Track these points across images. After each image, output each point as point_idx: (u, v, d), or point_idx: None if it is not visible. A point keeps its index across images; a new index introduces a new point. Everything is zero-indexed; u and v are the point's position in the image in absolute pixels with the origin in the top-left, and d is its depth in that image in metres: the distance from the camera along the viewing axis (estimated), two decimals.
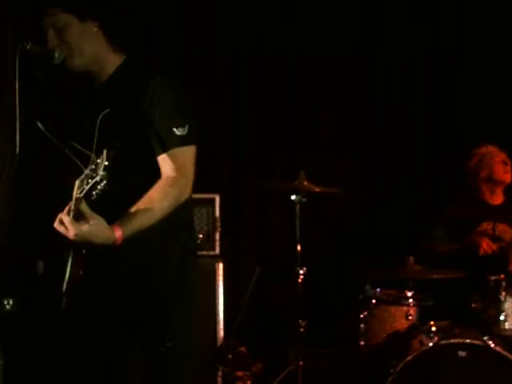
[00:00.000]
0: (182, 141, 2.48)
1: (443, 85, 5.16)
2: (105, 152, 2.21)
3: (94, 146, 2.45)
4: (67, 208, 2.31)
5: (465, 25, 5.11)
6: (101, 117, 2.48)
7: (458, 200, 4.70)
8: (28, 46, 2.47)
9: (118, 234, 2.37)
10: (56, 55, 2.51)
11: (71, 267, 2.43)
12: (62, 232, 2.31)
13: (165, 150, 2.47)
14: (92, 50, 2.57)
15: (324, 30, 5.10)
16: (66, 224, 2.29)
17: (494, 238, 4.49)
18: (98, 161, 2.22)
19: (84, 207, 2.28)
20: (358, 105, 5.17)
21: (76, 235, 2.30)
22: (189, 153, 2.51)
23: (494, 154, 4.54)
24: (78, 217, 2.29)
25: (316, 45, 5.10)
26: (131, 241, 2.38)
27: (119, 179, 2.37)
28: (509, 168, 4.55)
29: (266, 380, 4.38)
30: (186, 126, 2.48)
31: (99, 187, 2.23)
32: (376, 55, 5.17)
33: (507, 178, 4.54)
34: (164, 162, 2.48)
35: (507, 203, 4.63)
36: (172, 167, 2.48)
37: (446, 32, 5.16)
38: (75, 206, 2.28)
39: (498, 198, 4.63)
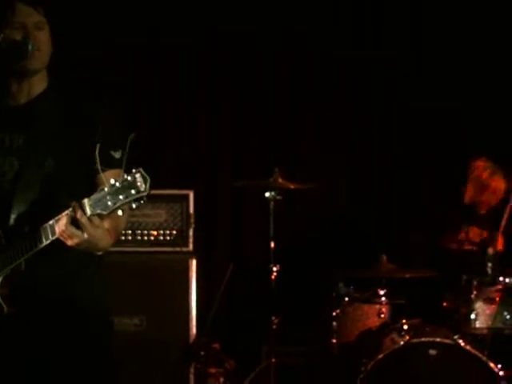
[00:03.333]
0: (119, 163, 2.50)
1: (424, 82, 5.16)
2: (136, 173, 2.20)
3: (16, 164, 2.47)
4: (66, 216, 2.28)
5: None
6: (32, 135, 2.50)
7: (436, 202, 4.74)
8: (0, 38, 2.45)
9: (112, 238, 2.41)
10: (29, 47, 2.49)
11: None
12: (70, 237, 2.28)
13: (106, 169, 2.48)
14: (47, 58, 2.56)
15: (301, 27, 5.10)
16: (72, 230, 2.27)
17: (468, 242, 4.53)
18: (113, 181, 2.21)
19: (83, 214, 2.27)
20: (334, 102, 5.17)
21: (85, 240, 2.28)
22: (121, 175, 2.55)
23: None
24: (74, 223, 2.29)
25: (292, 42, 5.10)
26: (63, 249, 2.37)
27: (58, 191, 2.42)
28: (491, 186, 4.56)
29: (239, 377, 4.39)
30: (120, 151, 2.52)
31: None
32: (354, 52, 5.18)
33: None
34: (109, 178, 2.47)
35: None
36: None
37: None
38: (73, 213, 2.26)
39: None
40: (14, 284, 2.45)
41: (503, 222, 4.17)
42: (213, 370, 4.41)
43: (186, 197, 4.45)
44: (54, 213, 2.34)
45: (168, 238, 4.41)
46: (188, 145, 5.11)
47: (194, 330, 4.29)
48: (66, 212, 2.28)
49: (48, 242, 2.35)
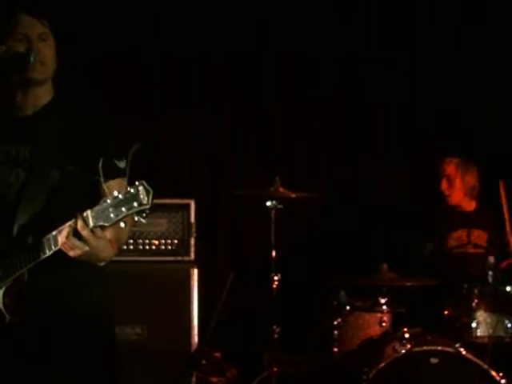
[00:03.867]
0: (123, 173, 2.55)
1: (419, 91, 5.19)
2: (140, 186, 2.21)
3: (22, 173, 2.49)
4: (68, 227, 2.29)
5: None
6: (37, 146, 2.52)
7: (433, 207, 4.75)
8: (2, 50, 2.46)
9: (114, 248, 2.42)
10: (31, 59, 2.49)
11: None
12: (72, 248, 2.29)
13: (111, 178, 2.52)
14: (52, 70, 2.57)
15: (300, 41, 5.13)
16: (74, 241, 2.28)
17: (471, 245, 4.54)
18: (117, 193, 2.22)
19: (85, 226, 2.28)
20: (333, 112, 5.20)
21: (87, 251, 2.30)
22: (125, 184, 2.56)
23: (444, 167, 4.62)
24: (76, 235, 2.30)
25: (290, 54, 5.13)
26: (65, 260, 2.39)
27: (62, 202, 2.44)
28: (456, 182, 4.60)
29: None
30: (124, 160, 2.56)
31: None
32: (351, 61, 5.21)
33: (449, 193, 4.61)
34: (115, 187, 2.48)
35: (480, 209, 4.68)
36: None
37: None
38: (75, 224, 2.27)
39: (470, 205, 4.68)
40: (16, 293, 2.46)
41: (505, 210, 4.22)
42: (214, 379, 4.41)
43: (188, 206, 4.46)
44: (58, 224, 2.35)
45: (169, 247, 4.41)
46: (189, 154, 5.13)
47: (195, 338, 4.30)
48: (69, 223, 2.29)
49: (51, 252, 2.36)
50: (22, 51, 2.49)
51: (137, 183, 2.19)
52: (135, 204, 2.17)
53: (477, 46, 5.10)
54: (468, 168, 4.62)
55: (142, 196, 2.17)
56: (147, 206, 2.18)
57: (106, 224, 2.23)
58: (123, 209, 2.18)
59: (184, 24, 5.08)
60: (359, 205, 5.17)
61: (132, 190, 2.18)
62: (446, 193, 4.62)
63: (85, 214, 2.25)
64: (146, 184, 2.19)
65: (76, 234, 2.27)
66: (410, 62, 5.19)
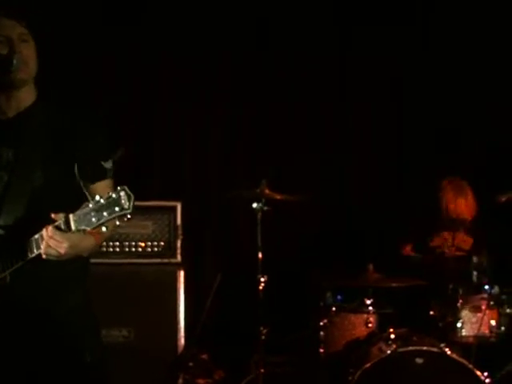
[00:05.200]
0: (110, 174, 2.58)
1: (406, 89, 5.21)
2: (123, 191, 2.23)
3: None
4: (52, 225, 2.30)
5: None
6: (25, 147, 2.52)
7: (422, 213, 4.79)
8: None
9: (97, 239, 2.45)
10: (14, 61, 2.49)
11: None
12: (53, 246, 2.30)
13: (99, 179, 2.56)
14: (34, 71, 2.58)
15: (290, 42, 5.14)
16: (57, 237, 2.30)
17: (454, 247, 4.57)
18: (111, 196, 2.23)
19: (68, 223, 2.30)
20: (322, 114, 5.22)
21: (70, 246, 2.32)
22: (112, 185, 2.60)
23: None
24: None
25: (280, 55, 5.14)
26: (48, 263, 2.40)
27: (47, 203, 2.45)
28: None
29: None
30: (110, 161, 2.58)
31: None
32: (341, 63, 5.23)
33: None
34: (102, 188, 2.53)
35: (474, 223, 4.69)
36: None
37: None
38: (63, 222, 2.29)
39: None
40: (14, 297, 2.46)
41: None
42: (201, 381, 4.41)
43: (174, 208, 4.46)
44: (42, 225, 2.36)
45: (156, 249, 4.42)
46: (175, 156, 5.13)
47: (182, 340, 4.30)
48: (51, 226, 2.30)
49: (34, 255, 2.37)
50: (4, 53, 2.49)
51: (119, 188, 2.21)
52: (117, 209, 2.20)
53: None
54: (464, 191, 4.63)
55: (123, 201, 2.20)
56: (128, 211, 2.21)
57: (88, 228, 2.25)
58: (105, 213, 2.21)
59: (181, 22, 5.08)
60: (345, 206, 5.19)
61: (114, 195, 2.21)
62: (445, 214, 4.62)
63: (65, 219, 2.27)
64: (127, 189, 2.21)
65: (57, 236, 2.29)
66: (402, 63, 5.21)
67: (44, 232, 2.31)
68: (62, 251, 2.31)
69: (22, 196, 2.49)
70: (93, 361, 2.57)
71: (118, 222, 2.23)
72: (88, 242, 2.41)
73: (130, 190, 2.23)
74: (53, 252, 2.32)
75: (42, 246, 2.33)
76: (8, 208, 2.49)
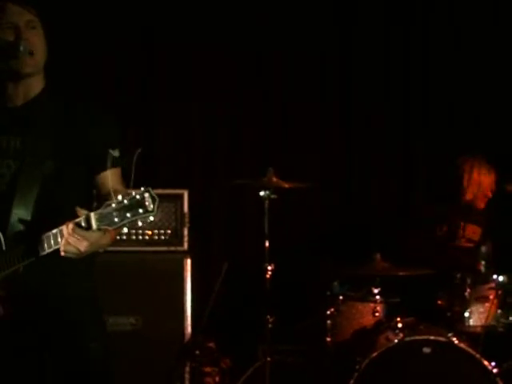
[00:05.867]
0: (118, 162, 2.57)
1: (413, 81, 5.19)
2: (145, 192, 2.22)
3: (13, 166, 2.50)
4: (72, 222, 2.29)
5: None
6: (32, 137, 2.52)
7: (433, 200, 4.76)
8: None
9: (113, 236, 2.44)
10: (21, 48, 2.48)
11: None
12: (73, 243, 2.30)
13: (106, 168, 2.54)
14: (43, 60, 2.57)
15: (296, 30, 5.11)
16: (78, 235, 2.28)
17: (464, 239, 4.55)
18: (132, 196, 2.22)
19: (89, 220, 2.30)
20: (327, 101, 5.19)
21: (90, 244, 2.31)
22: (120, 174, 2.60)
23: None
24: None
25: (286, 43, 5.11)
26: (51, 255, 2.40)
27: (58, 192, 2.46)
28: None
29: (234, 376, 4.39)
30: (118, 149, 2.57)
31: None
32: (346, 54, 5.20)
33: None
34: (110, 177, 2.52)
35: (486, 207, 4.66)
36: (119, 182, 2.57)
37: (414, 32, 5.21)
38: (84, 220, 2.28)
39: (480, 204, 4.66)
40: (11, 286, 2.46)
41: None
42: (208, 369, 4.41)
43: (181, 196, 4.46)
44: (54, 215, 2.35)
45: (163, 237, 4.41)
46: (182, 144, 5.12)
47: (189, 328, 4.30)
48: (71, 223, 2.28)
49: (50, 250, 2.37)
50: (11, 40, 2.48)
51: (142, 189, 2.21)
52: (140, 210, 2.19)
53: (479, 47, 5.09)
54: (490, 169, 4.61)
55: (147, 203, 2.19)
56: (153, 213, 2.21)
57: (109, 228, 2.24)
58: (128, 214, 2.20)
59: (183, 21, 5.07)
60: (353, 194, 5.17)
61: (138, 197, 2.20)
62: (463, 188, 4.60)
63: (86, 216, 2.26)
64: (152, 191, 2.21)
65: (78, 234, 2.27)
66: (405, 60, 5.18)
67: (64, 228, 2.30)
68: (82, 249, 2.30)
69: (33, 185, 2.49)
70: (97, 348, 2.58)
71: (140, 223, 2.23)
72: (105, 240, 2.39)
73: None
74: (72, 249, 2.31)
75: (60, 242, 2.32)
76: (19, 198, 2.48)
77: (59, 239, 2.33)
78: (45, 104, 2.57)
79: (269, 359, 4.19)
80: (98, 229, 2.25)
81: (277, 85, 5.16)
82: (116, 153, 2.55)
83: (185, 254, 4.39)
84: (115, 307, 4.15)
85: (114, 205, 2.21)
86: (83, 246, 2.29)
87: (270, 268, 4.23)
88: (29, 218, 2.47)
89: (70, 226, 2.27)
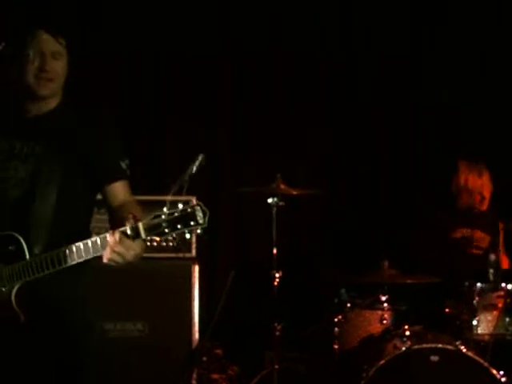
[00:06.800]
0: (127, 173, 2.65)
1: (423, 88, 5.19)
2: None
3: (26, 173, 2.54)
4: (119, 231, 2.32)
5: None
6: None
7: (439, 206, 4.75)
8: (1, 47, 2.50)
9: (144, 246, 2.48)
10: (34, 61, 2.56)
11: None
12: (120, 252, 2.32)
13: (117, 179, 2.61)
14: (60, 86, 2.64)
15: (298, 35, 5.13)
16: (126, 245, 2.32)
17: (472, 246, 4.54)
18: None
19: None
20: (333, 107, 5.20)
21: (136, 254, 2.37)
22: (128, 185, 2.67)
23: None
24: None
25: (290, 49, 5.13)
26: None
27: (71, 202, 2.51)
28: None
29: (242, 383, 4.39)
30: (126, 161, 2.65)
31: None
32: (351, 58, 5.20)
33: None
34: (121, 188, 2.59)
35: (489, 211, 4.66)
36: (129, 195, 2.63)
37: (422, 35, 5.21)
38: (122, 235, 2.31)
39: (481, 206, 4.66)
40: (29, 292, 2.47)
41: (501, 243, 4.21)
42: (216, 376, 4.41)
43: (189, 203, 4.45)
44: (71, 223, 2.38)
45: (171, 243, 4.41)
46: (190, 151, 5.11)
47: (196, 335, 4.30)
48: (116, 232, 2.31)
49: (81, 260, 2.40)
50: (24, 54, 2.56)
51: (194, 202, 2.29)
52: (192, 223, 2.27)
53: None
54: (480, 170, 4.61)
55: (198, 217, 2.26)
56: (203, 226, 2.27)
57: (158, 238, 2.29)
58: (179, 226, 2.27)
59: (184, 24, 5.08)
60: (361, 201, 5.17)
61: (189, 209, 2.27)
62: (460, 192, 4.61)
63: (132, 226, 2.28)
64: (203, 205, 2.29)
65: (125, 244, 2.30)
66: (412, 62, 5.19)
67: (109, 237, 2.32)
68: (129, 258, 2.34)
69: (50, 193, 2.51)
70: (85, 347, 2.61)
71: (188, 236, 2.28)
72: (142, 249, 2.42)
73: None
74: (118, 258, 2.34)
75: (99, 251, 2.35)
76: (39, 204, 2.51)
77: (93, 249, 2.36)
78: (58, 116, 2.63)
79: (276, 366, 4.18)
80: (146, 238, 2.29)
81: (283, 91, 5.17)
82: (124, 165, 2.59)
83: (193, 260, 4.39)
84: (122, 313, 4.16)
85: (163, 216, 2.26)
86: (130, 255, 2.33)
87: (277, 275, 4.23)
88: (49, 225, 2.49)
89: (117, 235, 2.30)
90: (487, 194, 4.60)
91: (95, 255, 2.38)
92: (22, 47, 2.55)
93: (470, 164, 4.63)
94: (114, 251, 2.31)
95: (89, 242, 2.37)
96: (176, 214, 2.26)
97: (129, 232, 2.29)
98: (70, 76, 2.66)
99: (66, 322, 2.57)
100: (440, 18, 5.19)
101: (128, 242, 2.29)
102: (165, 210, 2.27)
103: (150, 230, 2.27)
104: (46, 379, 2.55)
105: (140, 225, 2.28)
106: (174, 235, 2.28)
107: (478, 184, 4.59)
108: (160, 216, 2.27)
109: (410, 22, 5.21)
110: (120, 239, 2.29)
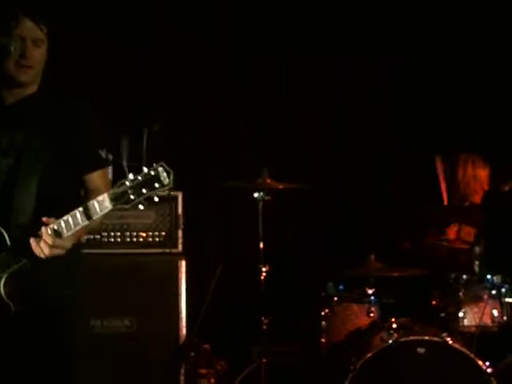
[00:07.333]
0: (106, 162, 2.68)
1: (411, 84, 5.20)
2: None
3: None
4: (53, 224, 2.34)
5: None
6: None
7: (426, 200, 4.77)
8: None
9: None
10: (12, 49, 2.55)
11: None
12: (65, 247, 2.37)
13: (95, 168, 2.61)
14: (39, 74, 2.64)
15: (288, 29, 5.12)
16: (63, 240, 2.35)
17: (460, 241, 4.56)
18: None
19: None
20: (322, 101, 5.20)
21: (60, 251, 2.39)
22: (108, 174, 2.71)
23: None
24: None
25: (278, 43, 5.12)
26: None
27: (52, 190, 2.51)
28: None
29: (230, 377, 4.40)
30: (105, 149, 2.68)
31: None
32: (341, 52, 5.21)
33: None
34: (98, 178, 2.60)
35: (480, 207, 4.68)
36: (106, 184, 2.63)
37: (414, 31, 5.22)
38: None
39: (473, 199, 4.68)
40: (18, 282, 2.47)
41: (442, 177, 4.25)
42: (203, 371, 4.41)
43: (175, 198, 4.45)
44: (53, 210, 2.37)
45: (157, 239, 4.41)
46: (176, 146, 5.12)
47: (184, 330, 4.30)
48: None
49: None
50: (4, 42, 2.54)
51: (155, 165, 2.24)
52: (156, 185, 2.25)
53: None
54: (480, 160, 4.63)
55: (162, 177, 2.23)
56: (169, 186, 2.25)
57: (126, 206, 2.28)
58: (144, 190, 2.24)
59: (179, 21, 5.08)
60: (347, 195, 5.18)
61: (152, 172, 2.24)
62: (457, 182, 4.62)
63: (101, 198, 2.28)
64: (165, 165, 2.25)
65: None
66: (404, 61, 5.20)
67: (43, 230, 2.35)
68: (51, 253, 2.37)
69: (31, 181, 2.52)
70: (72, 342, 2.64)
71: (156, 199, 2.26)
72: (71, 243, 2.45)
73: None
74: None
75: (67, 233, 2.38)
76: (20, 193, 2.51)
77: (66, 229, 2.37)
78: (37, 103, 2.62)
79: (264, 360, 4.20)
80: (115, 208, 2.29)
81: (270, 85, 5.17)
82: (103, 153, 2.59)
83: (179, 255, 4.38)
84: (110, 309, 4.15)
85: (127, 183, 2.24)
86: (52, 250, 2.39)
87: (264, 269, 4.24)
88: (30, 212, 2.48)
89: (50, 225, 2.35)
90: (486, 187, 4.62)
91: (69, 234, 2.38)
92: (3, 34, 2.54)
93: (475, 156, 4.63)
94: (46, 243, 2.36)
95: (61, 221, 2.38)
96: (140, 179, 2.24)
97: (49, 232, 2.33)
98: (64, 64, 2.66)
99: (53, 311, 2.58)
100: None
101: (51, 238, 2.34)
102: (131, 176, 2.25)
103: (116, 200, 2.27)
104: (34, 369, 2.55)
105: (105, 195, 2.28)
106: (142, 200, 2.25)
107: (485, 174, 4.60)
108: (124, 183, 2.25)
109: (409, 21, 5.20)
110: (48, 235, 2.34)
